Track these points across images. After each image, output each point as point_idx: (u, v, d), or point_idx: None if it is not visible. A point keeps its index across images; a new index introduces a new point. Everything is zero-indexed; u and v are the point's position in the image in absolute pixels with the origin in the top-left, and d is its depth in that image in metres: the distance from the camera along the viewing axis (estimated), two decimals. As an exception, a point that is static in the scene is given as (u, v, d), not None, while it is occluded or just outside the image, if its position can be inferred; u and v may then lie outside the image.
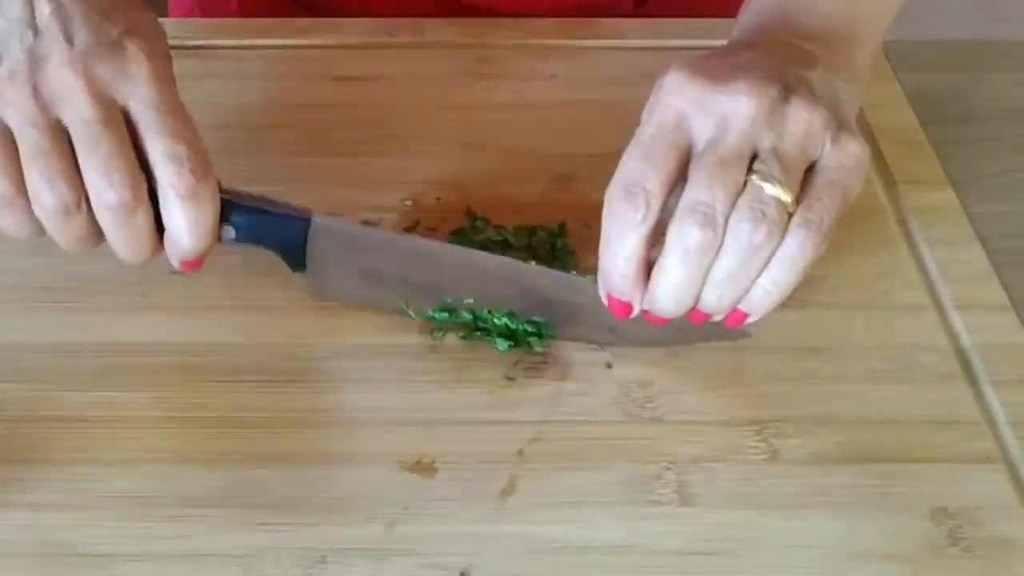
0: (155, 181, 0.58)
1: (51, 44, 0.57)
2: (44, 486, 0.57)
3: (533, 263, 0.64)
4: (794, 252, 0.56)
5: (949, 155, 0.76)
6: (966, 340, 0.65)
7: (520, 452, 0.59)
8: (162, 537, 0.55)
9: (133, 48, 0.58)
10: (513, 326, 0.63)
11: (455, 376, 0.62)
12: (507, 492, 0.57)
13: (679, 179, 0.57)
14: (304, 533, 0.55)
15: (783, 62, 0.59)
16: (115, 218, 0.58)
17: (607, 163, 0.58)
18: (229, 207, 0.61)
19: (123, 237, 0.59)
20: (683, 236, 0.55)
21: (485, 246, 0.66)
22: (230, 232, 0.62)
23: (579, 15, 0.87)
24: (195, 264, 0.61)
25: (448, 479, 0.58)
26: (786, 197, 0.55)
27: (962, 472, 0.59)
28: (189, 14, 0.95)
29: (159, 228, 0.59)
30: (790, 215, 0.56)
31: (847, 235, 0.70)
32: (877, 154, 0.76)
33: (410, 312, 0.64)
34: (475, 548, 0.55)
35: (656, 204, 0.56)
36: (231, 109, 0.77)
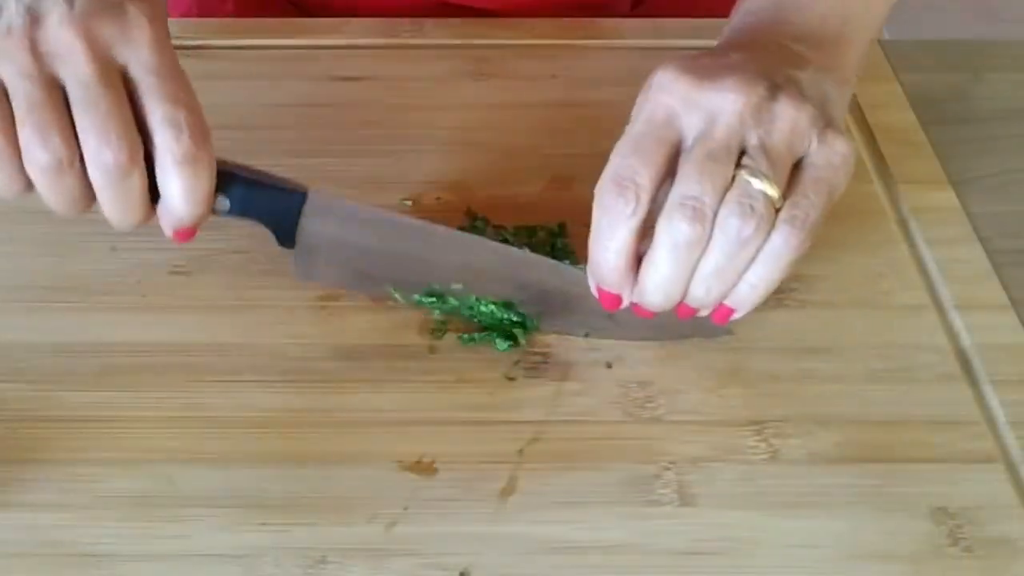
0: (152, 145, 0.57)
1: (51, 4, 0.56)
2: (44, 486, 0.57)
3: (527, 250, 0.64)
4: (779, 248, 0.57)
5: (949, 155, 0.76)
6: (966, 340, 0.65)
7: (520, 452, 0.59)
8: (162, 537, 0.55)
9: (134, 11, 0.57)
10: (499, 315, 0.63)
11: (455, 376, 0.62)
12: (507, 492, 0.57)
13: (668, 174, 0.57)
14: (304, 533, 0.55)
15: (773, 62, 0.59)
16: (109, 179, 0.57)
17: (607, 163, 0.58)
18: (225, 178, 0.60)
19: (115, 200, 0.58)
20: (672, 230, 0.56)
21: None
22: (224, 203, 0.61)
23: (575, 15, 0.87)
24: (187, 233, 0.60)
25: (448, 479, 0.58)
26: (773, 192, 0.56)
27: (962, 472, 0.59)
28: (187, 14, 0.95)
29: (152, 196, 0.58)
30: (777, 211, 0.56)
31: (847, 235, 0.70)
32: (877, 154, 0.76)
33: (397, 296, 0.64)
34: (475, 548, 0.55)
35: (646, 198, 0.56)
36: (230, 109, 0.76)
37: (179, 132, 0.57)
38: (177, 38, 0.81)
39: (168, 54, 0.58)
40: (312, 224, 0.63)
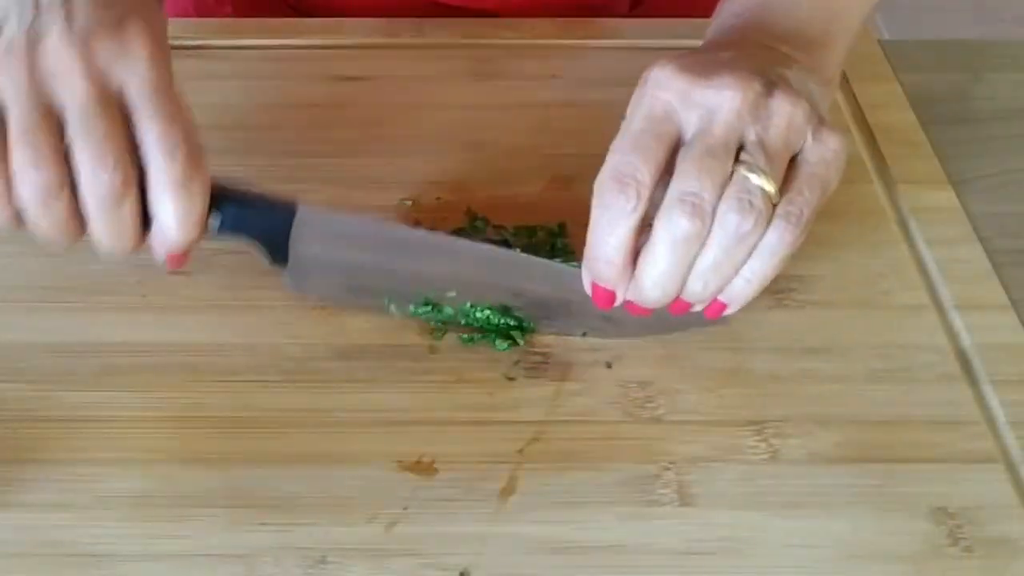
0: (145, 167, 0.56)
1: (51, 22, 0.55)
2: (44, 486, 0.57)
3: (518, 250, 0.64)
4: (774, 244, 0.57)
5: (949, 155, 0.76)
6: (966, 340, 0.65)
7: (520, 452, 0.59)
8: (162, 537, 0.55)
9: (134, 30, 0.56)
10: (495, 320, 0.63)
11: (455, 376, 0.62)
12: (507, 492, 0.57)
13: (667, 170, 0.57)
14: (304, 533, 0.55)
15: (763, 61, 0.60)
16: (102, 206, 0.56)
17: (605, 160, 0.58)
18: (215, 196, 0.60)
19: (107, 227, 0.57)
20: (671, 225, 0.56)
21: None
22: (215, 221, 0.61)
23: (573, 15, 0.87)
24: (180, 259, 0.59)
25: (448, 479, 0.58)
26: (771, 188, 0.56)
27: (962, 472, 0.59)
28: (183, 14, 0.94)
29: (145, 221, 0.58)
30: (773, 206, 0.56)
31: (847, 235, 0.70)
32: (877, 154, 0.76)
33: (392, 309, 0.64)
34: (475, 548, 0.55)
35: (646, 194, 0.57)
36: (230, 109, 0.77)
37: (174, 155, 0.56)
38: (177, 38, 0.81)
39: (165, 74, 0.57)
40: (302, 239, 0.63)
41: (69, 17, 0.56)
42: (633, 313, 0.60)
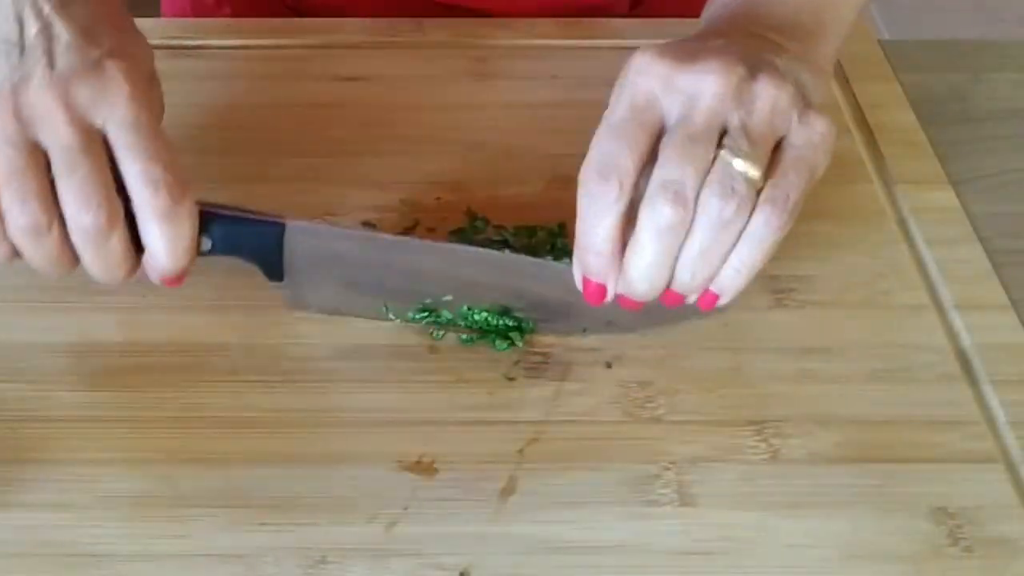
0: (132, 202, 0.57)
1: (33, 66, 0.57)
2: (44, 486, 0.57)
3: (507, 251, 0.64)
4: (761, 229, 0.56)
5: (949, 155, 0.76)
6: (966, 340, 0.65)
7: (520, 452, 0.59)
8: (162, 537, 0.55)
9: (113, 70, 0.58)
10: (493, 322, 0.63)
11: (455, 376, 0.62)
12: (507, 492, 0.57)
13: (651, 158, 0.57)
14: (304, 533, 0.55)
15: (750, 48, 0.59)
16: (89, 241, 0.57)
17: (589, 150, 0.58)
18: (204, 219, 0.60)
19: (97, 260, 0.58)
20: (655, 214, 0.56)
21: (484, 246, 0.66)
22: (207, 243, 0.61)
23: (573, 16, 0.87)
24: (175, 281, 0.60)
25: (448, 479, 0.58)
26: (755, 172, 0.56)
27: (962, 472, 0.59)
28: (181, 15, 0.95)
29: (138, 248, 0.59)
30: (759, 191, 0.56)
31: (847, 235, 0.70)
32: (877, 154, 0.76)
33: (391, 315, 0.64)
34: (475, 548, 0.55)
35: (629, 183, 0.56)
36: (230, 109, 0.77)
37: (156, 188, 0.57)
38: (176, 38, 0.81)
39: (145, 111, 0.58)
40: (294, 252, 0.63)
41: (50, 61, 0.57)
42: (626, 307, 0.59)
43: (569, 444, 0.59)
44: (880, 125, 0.78)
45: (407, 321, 0.64)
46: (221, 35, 0.83)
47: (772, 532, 0.56)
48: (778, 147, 0.57)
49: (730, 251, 0.57)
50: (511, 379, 0.62)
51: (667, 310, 0.61)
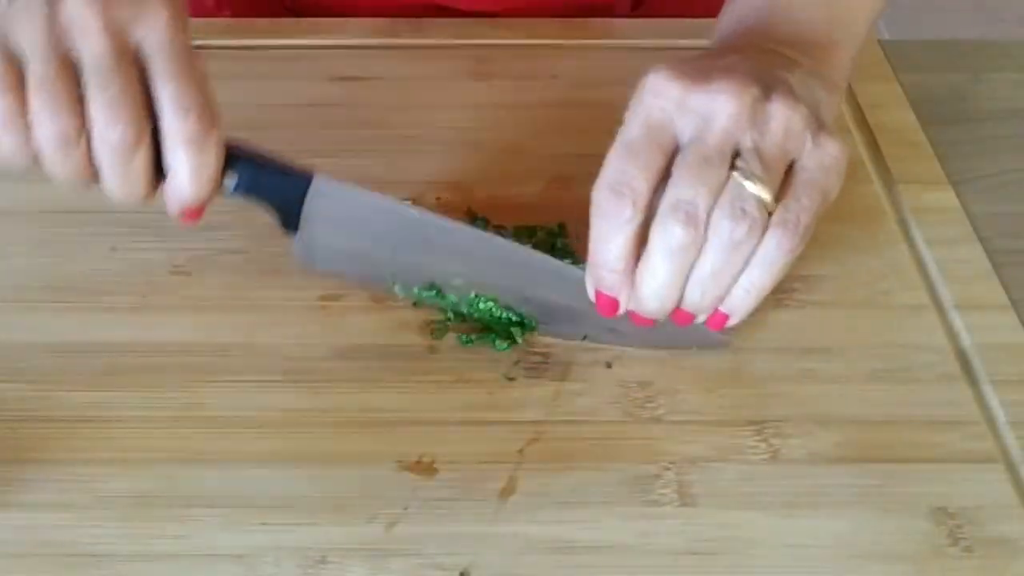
0: (160, 124, 0.57)
1: None
2: (44, 486, 0.57)
3: (530, 247, 0.64)
4: (772, 252, 0.57)
5: (949, 155, 0.76)
6: (966, 340, 0.65)
7: (520, 452, 0.59)
8: (162, 537, 0.55)
9: None
10: (497, 313, 0.63)
11: (455, 376, 0.62)
12: (507, 492, 0.57)
13: (664, 177, 0.57)
14: (304, 533, 0.55)
15: (764, 65, 0.59)
16: (114, 157, 0.57)
17: (602, 168, 0.58)
18: (232, 157, 0.60)
19: (119, 177, 0.58)
20: (666, 234, 0.56)
21: None
22: (230, 182, 0.61)
23: (573, 16, 0.87)
24: (194, 214, 0.60)
25: (448, 479, 0.58)
26: (766, 195, 0.56)
27: (962, 472, 0.59)
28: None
29: (159, 173, 0.58)
30: (770, 213, 0.56)
31: (847, 235, 0.70)
32: (877, 154, 0.76)
33: (396, 288, 0.64)
34: (475, 548, 0.55)
35: (643, 202, 0.57)
36: (230, 109, 0.76)
37: (187, 112, 0.57)
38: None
39: (182, 35, 0.58)
40: (315, 208, 0.63)
41: None
42: (637, 324, 0.60)
43: (569, 444, 0.59)
44: (880, 125, 0.78)
45: (411, 297, 0.64)
46: (221, 35, 0.83)
47: (772, 532, 0.56)
48: (790, 169, 0.57)
49: (740, 272, 0.57)
50: (511, 379, 0.62)
51: (673, 335, 0.61)
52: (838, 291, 0.67)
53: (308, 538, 0.55)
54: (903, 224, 0.72)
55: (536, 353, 0.63)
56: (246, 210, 0.68)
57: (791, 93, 0.58)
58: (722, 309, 0.59)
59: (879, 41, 0.86)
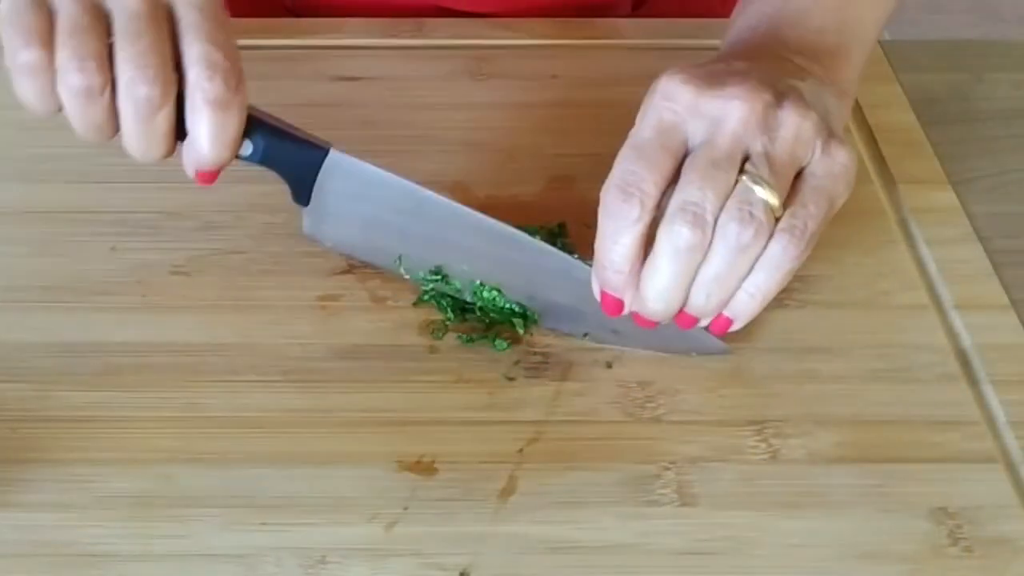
0: (185, 83, 0.57)
1: None
2: (44, 486, 0.57)
3: (538, 238, 0.64)
4: (777, 257, 0.57)
5: (949, 155, 0.76)
6: (966, 340, 0.65)
7: (520, 452, 0.59)
8: (162, 537, 0.55)
9: None
10: (501, 303, 0.63)
11: (455, 376, 0.62)
12: (507, 492, 0.57)
13: (673, 180, 0.57)
14: (304, 533, 0.55)
15: (775, 72, 0.59)
16: (138, 112, 0.57)
17: (607, 163, 0.58)
18: (251, 123, 0.60)
19: (141, 133, 0.58)
20: (673, 235, 0.56)
21: None
22: (248, 148, 0.61)
23: (573, 16, 0.87)
24: (210, 176, 0.60)
25: (448, 479, 0.58)
26: (774, 200, 0.56)
27: (962, 472, 0.59)
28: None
29: (180, 132, 0.59)
30: (777, 219, 0.56)
31: (847, 235, 0.70)
32: (877, 154, 0.76)
33: (402, 270, 0.64)
34: (475, 548, 0.55)
35: (651, 204, 0.57)
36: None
37: (213, 73, 0.57)
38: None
39: None
40: (329, 182, 0.63)
41: None
42: (641, 326, 0.60)
43: (569, 444, 0.59)
44: (880, 125, 0.78)
45: (416, 281, 0.64)
46: (221, 35, 0.83)
47: (772, 532, 0.56)
48: (799, 176, 0.58)
49: (746, 276, 0.57)
50: (511, 379, 0.62)
51: (674, 339, 0.61)
52: (838, 291, 0.67)
53: (308, 538, 0.55)
54: (903, 224, 0.72)
55: (536, 353, 0.63)
56: (246, 210, 0.69)
57: (802, 100, 0.58)
58: (726, 313, 0.59)
59: (879, 41, 0.86)
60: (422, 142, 0.76)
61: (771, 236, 0.57)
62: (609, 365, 0.63)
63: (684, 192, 0.56)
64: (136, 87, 0.56)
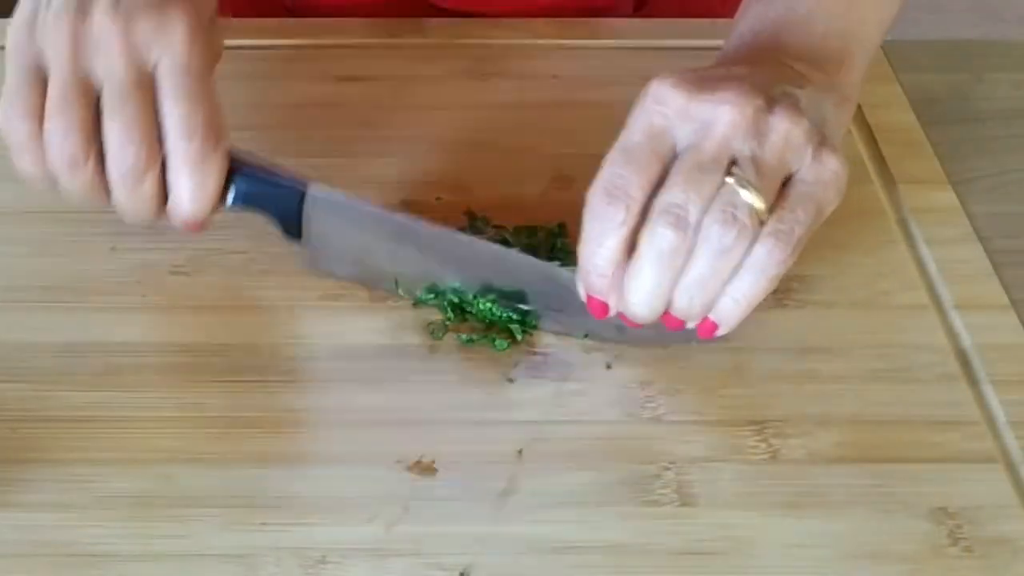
0: (165, 145, 0.59)
1: None
2: (44, 486, 0.57)
3: (516, 250, 0.64)
4: (762, 261, 0.56)
5: (949, 155, 0.76)
6: (966, 340, 0.65)
7: (520, 452, 0.59)
8: (162, 537, 0.55)
9: (175, 10, 0.59)
10: (497, 312, 0.63)
11: (455, 376, 0.62)
12: (507, 492, 0.57)
13: (660, 184, 0.57)
14: (304, 533, 0.55)
15: (772, 78, 0.59)
16: (124, 179, 0.59)
17: (599, 171, 0.58)
18: (232, 171, 0.61)
19: (129, 199, 0.60)
20: (655, 237, 0.56)
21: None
22: (230, 196, 0.62)
23: (573, 16, 0.87)
24: (196, 228, 0.62)
25: (448, 479, 0.58)
26: (759, 204, 0.56)
27: (962, 472, 0.59)
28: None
29: (165, 191, 0.60)
30: (763, 223, 0.56)
31: (847, 235, 0.70)
32: (877, 154, 0.76)
33: (400, 291, 0.64)
34: (475, 548, 0.55)
35: (636, 208, 0.56)
36: (231, 109, 0.76)
37: (193, 136, 0.59)
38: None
39: (197, 57, 0.60)
40: (313, 217, 0.64)
41: None
42: (629, 325, 0.60)
43: (569, 444, 0.59)
44: (880, 125, 0.78)
45: (416, 299, 0.64)
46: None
47: (772, 532, 0.56)
48: (788, 182, 0.57)
49: (729, 279, 0.57)
50: (511, 379, 0.62)
51: (672, 333, 0.61)
52: (838, 291, 0.67)
53: (308, 538, 0.55)
54: (903, 224, 0.72)
55: (536, 353, 0.63)
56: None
57: (795, 107, 0.57)
58: (711, 317, 0.59)
59: (879, 41, 0.86)
60: (422, 142, 0.76)
61: (756, 240, 0.56)
62: (609, 365, 0.63)
63: (668, 194, 0.56)
64: (122, 156, 0.59)
